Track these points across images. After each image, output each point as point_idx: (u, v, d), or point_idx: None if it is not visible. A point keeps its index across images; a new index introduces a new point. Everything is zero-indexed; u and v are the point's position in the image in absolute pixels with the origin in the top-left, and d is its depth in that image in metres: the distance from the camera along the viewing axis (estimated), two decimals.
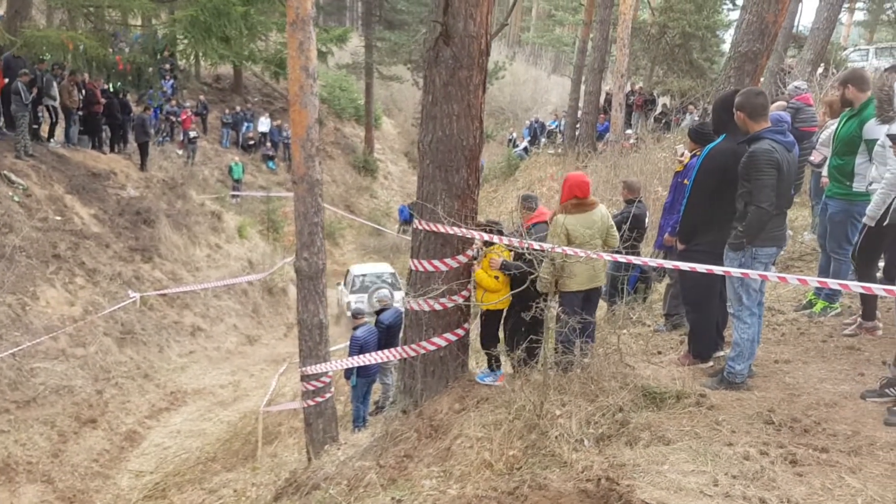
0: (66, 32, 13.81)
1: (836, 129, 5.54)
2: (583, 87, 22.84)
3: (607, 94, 23.11)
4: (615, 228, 5.65)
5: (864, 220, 4.86)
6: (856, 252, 5.08)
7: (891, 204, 4.53)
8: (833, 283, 3.99)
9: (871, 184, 4.97)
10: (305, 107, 7.06)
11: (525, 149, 27.56)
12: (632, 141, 20.15)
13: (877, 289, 3.62)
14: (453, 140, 5.75)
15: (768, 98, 4.76)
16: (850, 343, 5.15)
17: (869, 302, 5.27)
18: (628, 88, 25.40)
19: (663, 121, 21.51)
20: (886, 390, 4.10)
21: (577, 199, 5.60)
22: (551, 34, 53.83)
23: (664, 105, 22.13)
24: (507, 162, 27.31)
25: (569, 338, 5.66)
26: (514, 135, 32.35)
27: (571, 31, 48.16)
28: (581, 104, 23.08)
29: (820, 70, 16.96)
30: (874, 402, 4.12)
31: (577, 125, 23.24)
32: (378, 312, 10.38)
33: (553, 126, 28.49)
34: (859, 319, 5.37)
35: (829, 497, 3.26)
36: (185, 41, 14.05)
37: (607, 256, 5.51)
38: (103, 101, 16.36)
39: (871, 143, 4.99)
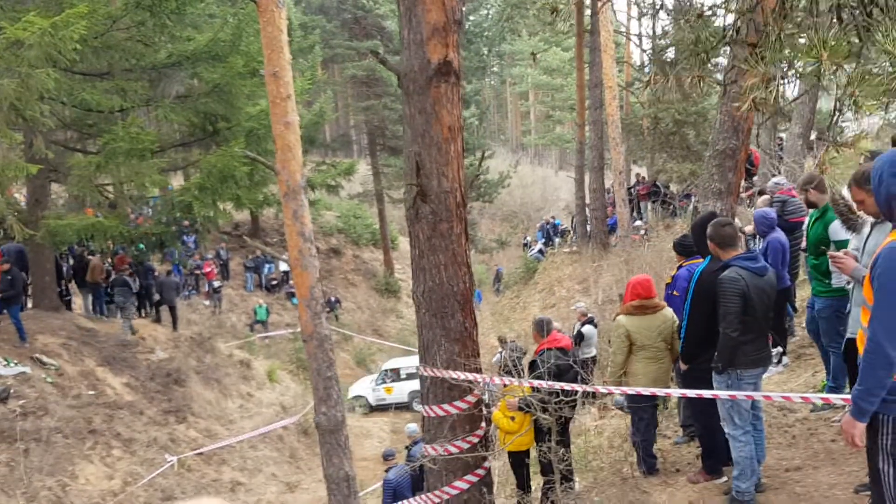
0: (88, 219, 14.51)
1: (806, 230, 5.71)
2: (587, 184, 23.32)
3: (611, 188, 23.57)
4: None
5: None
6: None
7: (848, 313, 4.62)
8: (815, 398, 4.06)
9: (848, 283, 5.08)
10: (306, 269, 7.40)
11: (540, 251, 27.91)
12: (642, 232, 20.41)
13: (834, 398, 3.70)
14: (444, 288, 5.99)
15: (736, 228, 4.97)
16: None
17: None
18: (633, 179, 25.90)
19: (670, 207, 21.81)
20: None
21: (639, 299, 5.71)
22: (552, 133, 55.24)
23: (666, 191, 22.47)
24: (524, 266, 27.62)
25: (639, 442, 5.74)
26: (528, 238, 32.81)
27: (571, 128, 49.48)
28: (588, 201, 23.53)
29: (814, 136, 17.25)
30: (867, 496, 4.11)
31: (588, 222, 23.61)
32: (408, 447, 10.39)
33: (559, 225, 29.03)
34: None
35: None
36: (197, 205, 14.70)
37: (617, 391, 5.63)
38: (125, 268, 17.12)
39: (838, 244, 5.14)
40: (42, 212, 13.96)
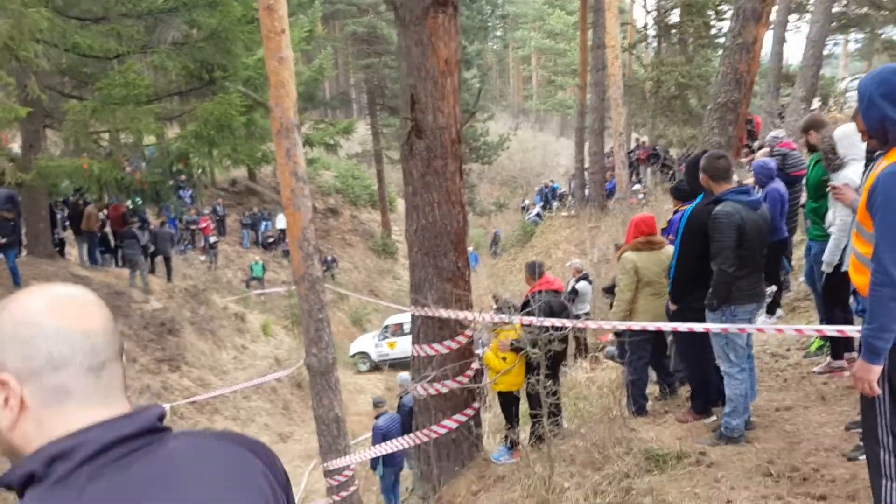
0: (81, 159, 14.36)
1: (807, 173, 5.65)
2: (587, 148, 23.19)
3: (611, 152, 23.45)
4: None
5: (823, 266, 4.94)
6: (822, 294, 5.15)
7: (844, 248, 4.59)
8: (808, 330, 4.03)
9: (829, 226, 5.06)
10: (298, 209, 7.31)
11: (538, 214, 27.84)
12: (640, 196, 20.32)
13: (850, 330, 3.67)
14: (437, 226, 5.93)
15: (730, 160, 4.88)
16: (851, 383, 5.12)
17: (837, 341, 5.33)
18: (633, 144, 25.75)
19: (670, 172, 21.69)
20: None
21: (645, 236, 5.70)
22: (554, 99, 54.84)
23: (666, 156, 22.32)
24: (522, 229, 27.57)
25: (632, 381, 5.73)
26: (527, 201, 32.72)
27: (573, 94, 49.13)
28: (587, 164, 23.41)
29: (817, 104, 17.13)
30: (858, 433, 4.10)
31: (586, 185, 23.51)
32: (400, 396, 10.42)
33: (557, 189, 28.91)
34: (829, 359, 5.44)
35: None
36: (193, 154, 14.55)
37: (607, 325, 5.59)
38: (134, 221, 17.08)
39: None
40: (35, 156, 13.80)
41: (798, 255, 9.65)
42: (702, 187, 4.94)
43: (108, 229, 17.42)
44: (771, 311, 7.30)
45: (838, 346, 5.39)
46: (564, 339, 5.60)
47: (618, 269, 5.80)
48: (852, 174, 4.45)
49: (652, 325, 4.90)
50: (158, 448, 1.08)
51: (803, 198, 7.85)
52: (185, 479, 1.08)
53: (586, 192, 23.37)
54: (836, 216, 4.85)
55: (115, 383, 1.12)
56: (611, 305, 8.19)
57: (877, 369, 2.73)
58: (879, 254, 2.68)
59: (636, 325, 4.90)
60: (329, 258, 28.72)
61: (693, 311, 4.84)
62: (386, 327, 22.26)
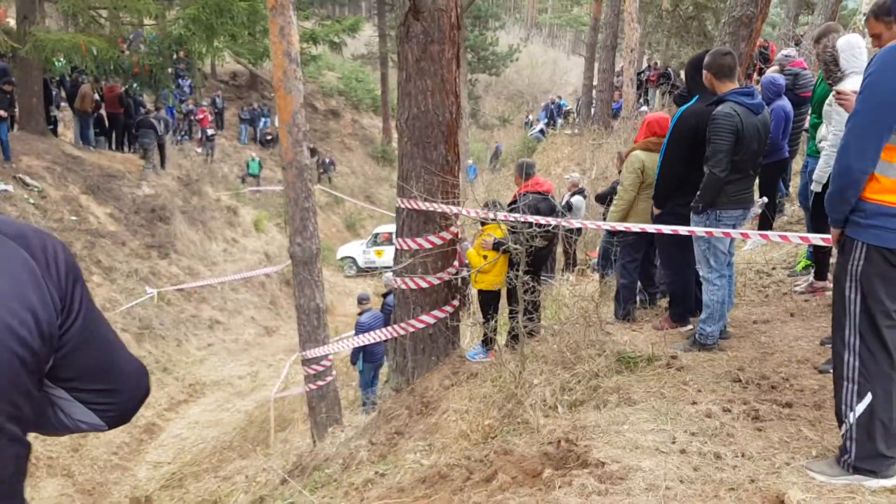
0: (79, 35, 13.92)
1: (814, 89, 5.47)
2: (596, 66, 22.62)
3: (621, 70, 22.88)
4: None
5: (812, 185, 4.82)
6: (812, 213, 5.07)
7: None
8: (793, 237, 3.92)
9: (819, 142, 4.91)
10: (290, 92, 7.09)
11: (541, 130, 27.38)
12: None
13: (814, 238, 3.59)
14: (429, 116, 5.74)
15: (736, 58, 4.67)
16: (831, 301, 5.07)
17: (822, 261, 5.26)
18: (645, 64, 25.12)
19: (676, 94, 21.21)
20: None
21: (656, 136, 5.54)
22: (569, 14, 53.34)
23: (676, 78, 21.79)
24: (523, 144, 27.19)
25: (624, 284, 5.68)
26: (531, 117, 32.18)
27: (589, 11, 47.71)
28: (595, 82, 22.87)
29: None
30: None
31: (593, 104, 23.05)
32: (384, 296, 10.43)
33: (563, 106, 28.34)
34: (811, 279, 5.39)
35: (785, 449, 3.22)
36: (192, 40, 14.10)
37: (591, 225, 5.49)
38: (150, 110, 16.85)
39: None
40: (30, 27, 13.36)
41: (797, 182, 9.50)
42: (700, 86, 4.76)
43: (103, 111, 17.12)
44: (760, 208, 7.21)
45: (823, 267, 5.32)
46: (548, 239, 5.50)
47: (624, 168, 5.62)
48: (852, 87, 4.27)
49: (636, 227, 4.79)
50: None
51: (807, 122, 7.66)
52: None
53: (592, 110, 22.94)
54: (830, 132, 4.69)
55: None
56: (604, 216, 8.08)
57: (835, 231, 2.88)
58: (847, 127, 2.66)
59: (620, 226, 4.80)
60: (327, 160, 28.43)
61: (677, 216, 4.73)
62: (376, 235, 22.23)
